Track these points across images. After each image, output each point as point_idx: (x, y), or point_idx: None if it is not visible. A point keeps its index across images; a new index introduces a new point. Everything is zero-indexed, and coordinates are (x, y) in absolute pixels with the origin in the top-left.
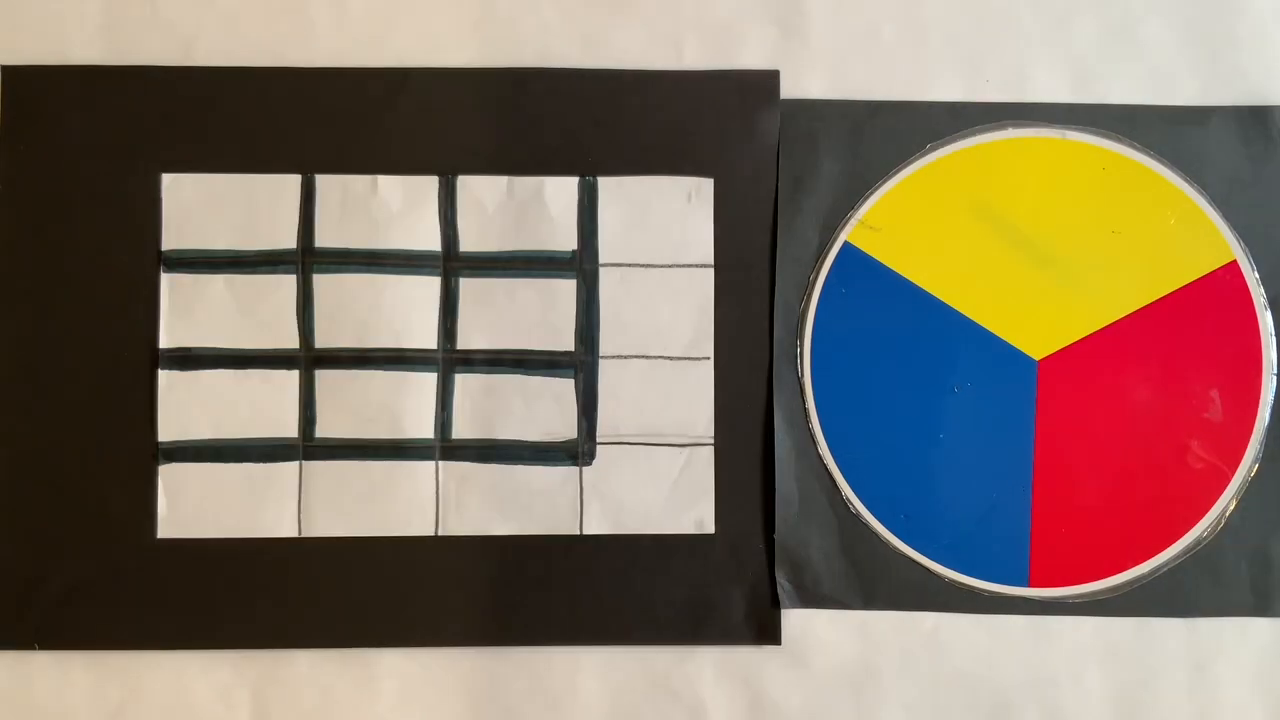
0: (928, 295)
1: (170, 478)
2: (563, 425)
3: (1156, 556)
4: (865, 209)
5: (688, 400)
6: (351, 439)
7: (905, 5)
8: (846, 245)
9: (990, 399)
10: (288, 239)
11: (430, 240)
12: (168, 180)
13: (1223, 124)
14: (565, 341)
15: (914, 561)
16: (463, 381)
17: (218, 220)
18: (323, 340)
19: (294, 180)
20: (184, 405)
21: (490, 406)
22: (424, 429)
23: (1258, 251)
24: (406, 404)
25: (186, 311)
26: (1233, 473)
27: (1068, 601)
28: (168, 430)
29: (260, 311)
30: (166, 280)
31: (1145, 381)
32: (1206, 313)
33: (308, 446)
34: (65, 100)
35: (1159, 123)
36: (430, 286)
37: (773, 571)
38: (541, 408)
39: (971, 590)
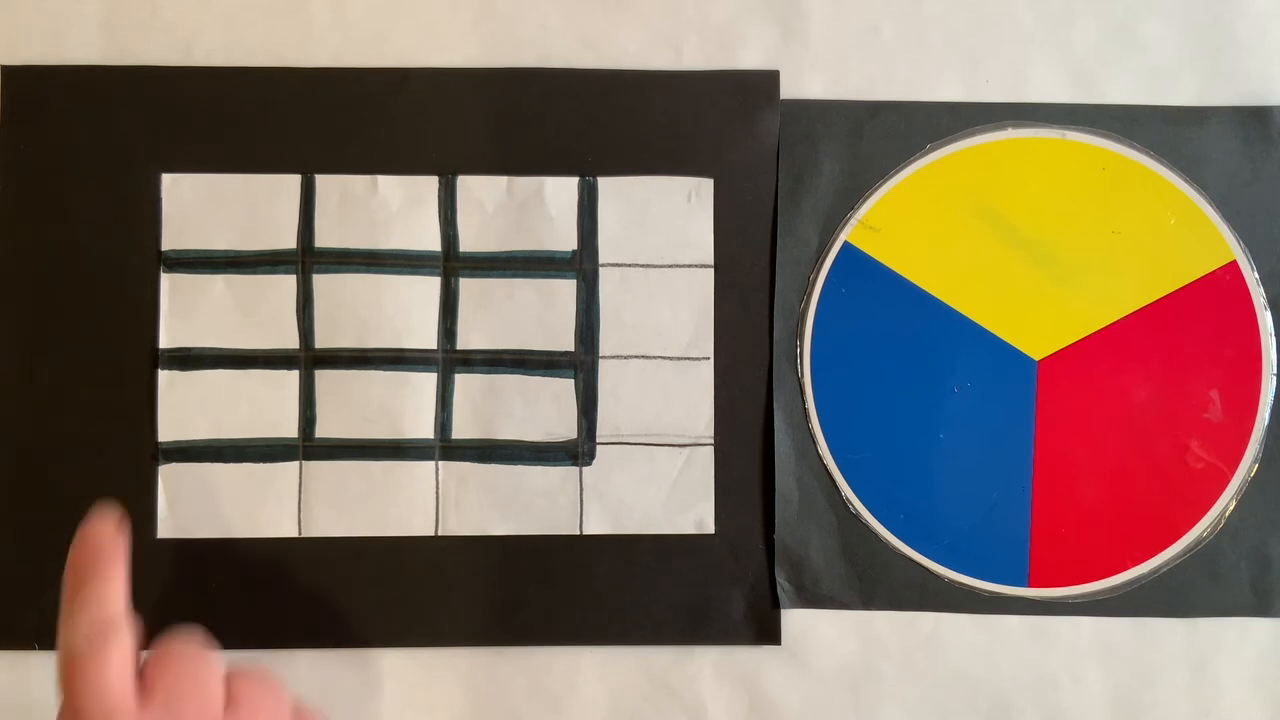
0: (928, 295)
1: (170, 478)
2: (562, 425)
3: (1156, 556)
4: (865, 209)
5: (688, 400)
6: (351, 439)
7: (905, 5)
8: (846, 245)
9: (990, 399)
10: (288, 239)
11: (430, 240)
12: (168, 180)
13: (1223, 124)
14: (565, 341)
15: (914, 561)
16: (463, 381)
17: (218, 220)
18: (323, 340)
19: (294, 180)
20: (184, 405)
21: (490, 406)
22: (424, 429)
23: (1258, 251)
24: (406, 404)
25: (186, 311)
26: (1233, 473)
27: (1067, 601)
28: (168, 430)
29: (260, 311)
30: (166, 280)
31: (1145, 381)
32: (1206, 313)
33: (308, 446)
34: (65, 100)
35: (1159, 123)
36: (430, 286)
37: (773, 571)
38: (541, 408)
39: (971, 590)
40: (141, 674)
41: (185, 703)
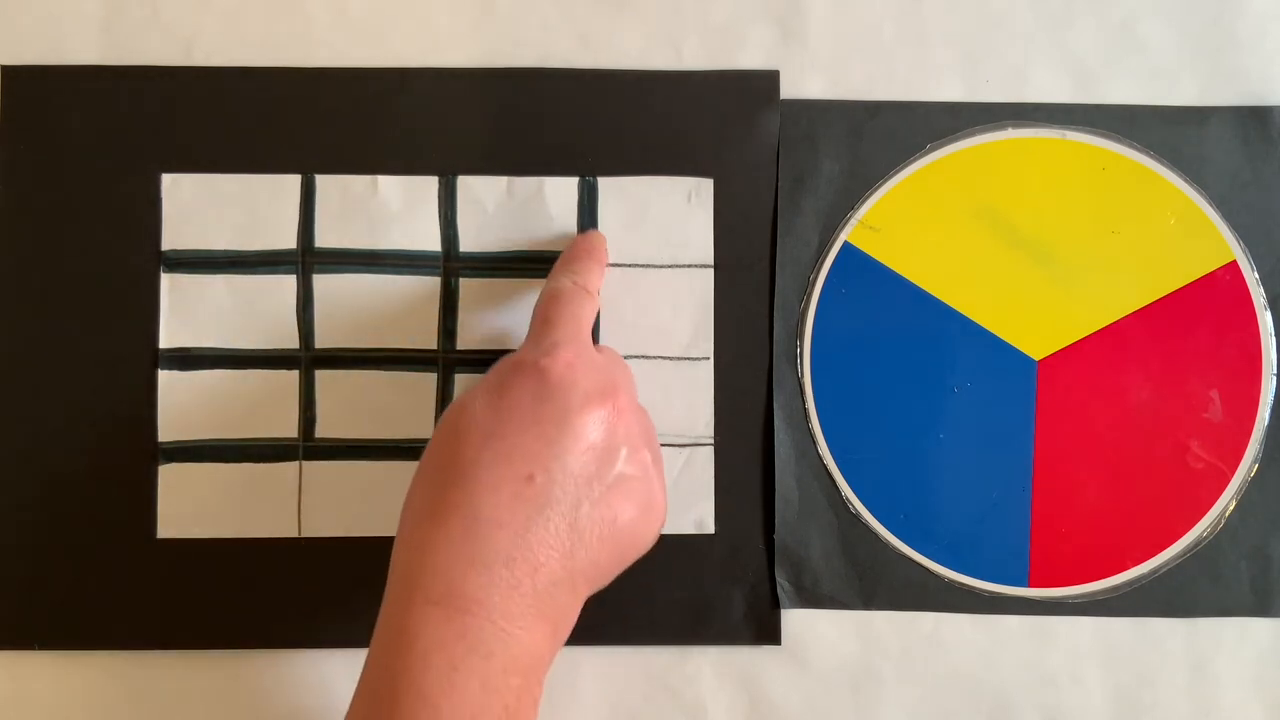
0: (928, 295)
1: (170, 478)
2: None
3: (1156, 556)
4: (865, 209)
5: (688, 400)
6: (351, 439)
7: (905, 5)
8: (846, 245)
9: (990, 399)
10: (288, 239)
11: (430, 240)
12: (168, 180)
13: (1223, 124)
14: None
15: (914, 561)
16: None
17: (218, 220)
18: (323, 340)
19: (294, 180)
20: (184, 405)
21: None
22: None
23: (1258, 251)
24: (406, 404)
25: (186, 311)
26: (1233, 473)
27: (1067, 601)
28: (168, 430)
29: (260, 311)
30: (166, 280)
31: (1145, 381)
32: (1206, 313)
33: (308, 446)
34: (65, 100)
35: (1159, 123)
36: (430, 286)
37: (773, 571)
38: None
39: (971, 590)
40: None
41: (620, 373)
